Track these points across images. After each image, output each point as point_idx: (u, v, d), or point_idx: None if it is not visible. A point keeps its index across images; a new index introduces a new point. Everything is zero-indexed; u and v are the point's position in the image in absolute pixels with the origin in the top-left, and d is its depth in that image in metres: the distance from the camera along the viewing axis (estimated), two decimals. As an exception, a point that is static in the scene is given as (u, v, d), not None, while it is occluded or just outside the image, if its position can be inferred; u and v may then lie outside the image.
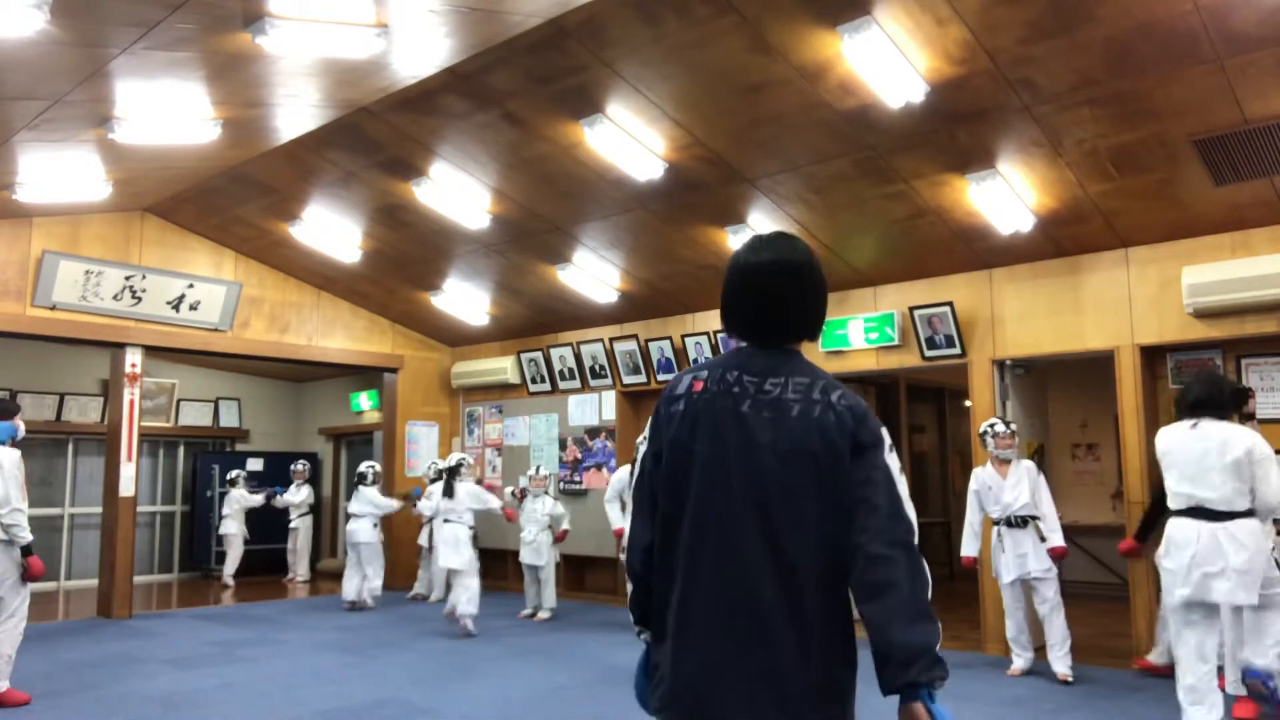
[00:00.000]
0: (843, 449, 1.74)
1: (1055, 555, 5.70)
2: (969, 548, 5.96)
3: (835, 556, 1.73)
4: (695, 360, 8.30)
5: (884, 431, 1.81)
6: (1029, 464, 5.92)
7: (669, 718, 1.79)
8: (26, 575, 5.08)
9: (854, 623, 1.80)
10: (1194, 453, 4.14)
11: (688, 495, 1.82)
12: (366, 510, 8.76)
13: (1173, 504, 4.22)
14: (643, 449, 1.97)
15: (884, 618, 1.65)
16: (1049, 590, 5.67)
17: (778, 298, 1.87)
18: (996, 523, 5.86)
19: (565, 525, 8.20)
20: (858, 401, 1.82)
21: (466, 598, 7.27)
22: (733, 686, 1.72)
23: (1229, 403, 4.26)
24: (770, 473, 1.75)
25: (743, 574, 1.74)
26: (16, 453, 5.15)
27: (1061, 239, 6.20)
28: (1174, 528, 4.19)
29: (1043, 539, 5.71)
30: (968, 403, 7.06)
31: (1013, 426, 5.92)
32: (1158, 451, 4.35)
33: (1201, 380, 4.37)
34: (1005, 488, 5.81)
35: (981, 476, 5.94)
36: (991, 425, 5.95)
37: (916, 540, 1.74)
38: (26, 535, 5.05)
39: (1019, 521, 5.75)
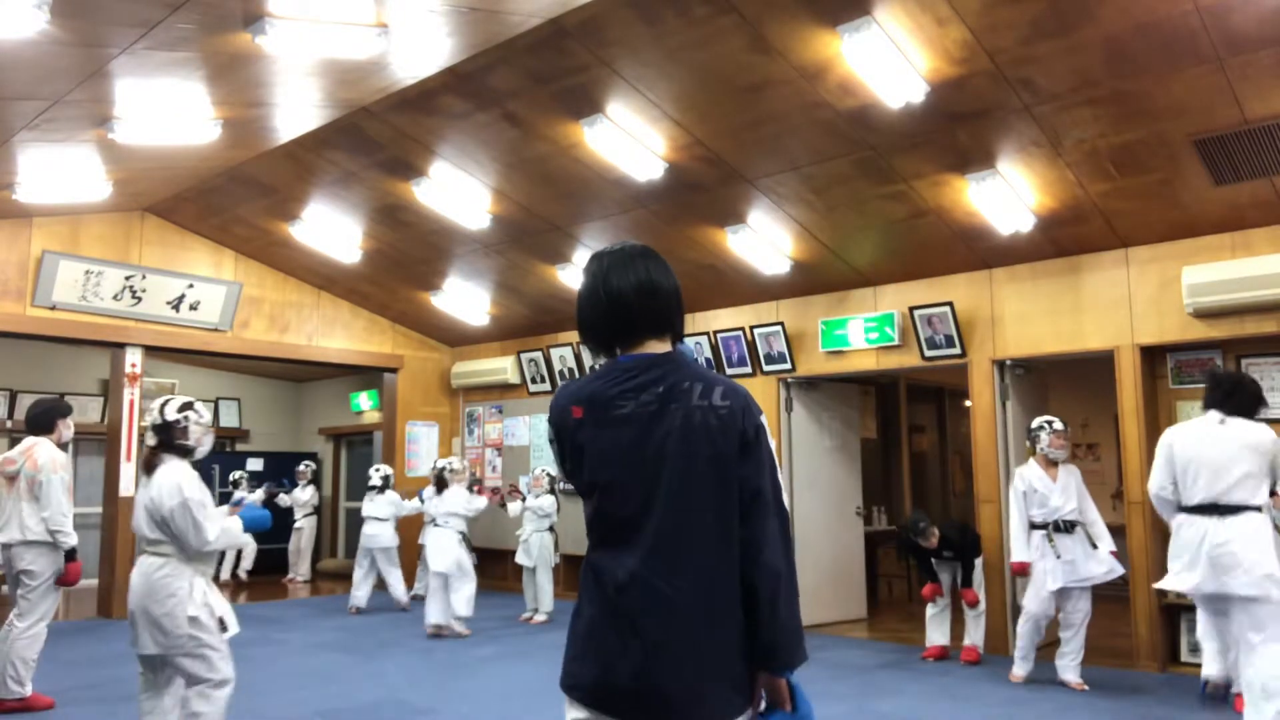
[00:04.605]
0: (729, 450, 1.79)
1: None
2: (1023, 553, 5.59)
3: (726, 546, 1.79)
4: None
5: (763, 418, 1.85)
6: (1074, 467, 5.72)
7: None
8: (63, 579, 5.02)
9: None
10: (1217, 449, 4.14)
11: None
12: (389, 513, 8.65)
13: (1189, 500, 4.21)
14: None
15: (769, 598, 1.77)
16: (1085, 601, 5.49)
17: (640, 311, 1.89)
18: (1039, 527, 5.55)
19: (553, 520, 8.04)
20: (737, 395, 1.84)
21: (459, 600, 7.27)
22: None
23: (1255, 404, 4.26)
24: (663, 475, 1.79)
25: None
26: (65, 456, 5.12)
27: (1061, 239, 6.20)
28: (1186, 524, 4.19)
29: (1094, 545, 5.46)
30: (968, 403, 7.06)
31: (1069, 427, 5.72)
32: (1171, 448, 4.29)
33: (1233, 377, 4.38)
34: (1055, 490, 5.54)
35: (1027, 477, 5.64)
36: (1050, 423, 5.67)
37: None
38: (71, 540, 4.98)
39: (1066, 526, 5.49)
